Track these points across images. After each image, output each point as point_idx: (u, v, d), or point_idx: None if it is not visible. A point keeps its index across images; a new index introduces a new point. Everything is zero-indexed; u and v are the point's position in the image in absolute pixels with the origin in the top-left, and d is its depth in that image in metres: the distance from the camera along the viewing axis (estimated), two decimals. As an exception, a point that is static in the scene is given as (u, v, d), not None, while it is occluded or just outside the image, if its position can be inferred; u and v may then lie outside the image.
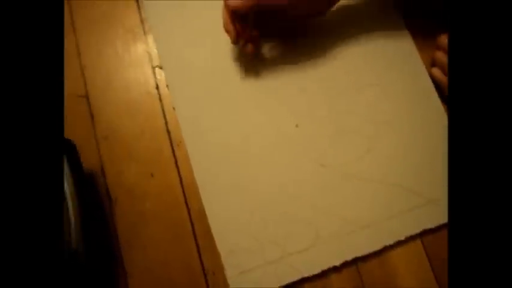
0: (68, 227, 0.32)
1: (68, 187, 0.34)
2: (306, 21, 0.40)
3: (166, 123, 0.41)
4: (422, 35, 0.41)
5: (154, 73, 0.42)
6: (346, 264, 0.36)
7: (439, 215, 0.37)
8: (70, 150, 0.36)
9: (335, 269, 0.36)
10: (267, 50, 0.41)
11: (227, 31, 0.37)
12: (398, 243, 0.37)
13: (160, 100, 0.41)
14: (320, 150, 0.38)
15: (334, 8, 0.40)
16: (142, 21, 0.44)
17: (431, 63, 0.40)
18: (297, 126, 0.39)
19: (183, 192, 0.39)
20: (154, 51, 0.43)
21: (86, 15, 0.44)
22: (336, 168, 0.38)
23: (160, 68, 0.42)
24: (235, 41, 0.37)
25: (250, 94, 0.40)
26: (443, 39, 0.38)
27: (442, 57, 0.38)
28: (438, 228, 0.37)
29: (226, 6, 0.36)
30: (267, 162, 0.38)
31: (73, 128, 0.41)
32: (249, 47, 0.38)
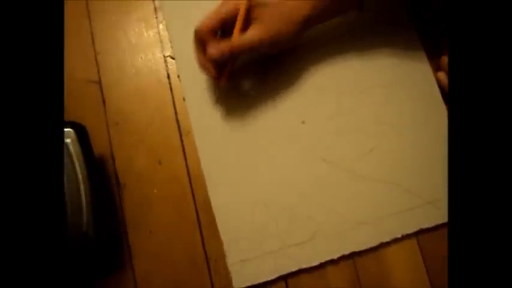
0: (79, 211, 0.33)
1: (80, 171, 0.35)
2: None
3: (175, 112, 0.42)
4: (432, 40, 0.41)
5: (165, 62, 0.43)
6: (343, 258, 0.38)
7: (435, 216, 0.38)
8: (82, 134, 0.37)
9: (332, 262, 0.38)
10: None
11: (205, 70, 0.38)
12: (395, 241, 0.38)
13: (171, 90, 0.42)
14: (324, 147, 0.39)
15: (343, 16, 0.40)
16: (155, 10, 0.45)
17: (437, 68, 0.41)
18: (303, 122, 0.40)
19: (190, 180, 0.40)
20: (166, 41, 0.44)
21: (100, 1, 0.45)
22: (338, 165, 0.39)
23: (172, 58, 0.43)
24: (215, 80, 0.39)
25: (259, 89, 0.41)
26: None
27: (447, 62, 0.39)
28: (434, 228, 0.38)
29: (207, 55, 0.36)
30: (272, 156, 0.39)
31: (85, 113, 0.42)
32: (222, 81, 0.38)
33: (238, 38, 0.35)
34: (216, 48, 0.35)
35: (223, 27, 0.37)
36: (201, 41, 0.37)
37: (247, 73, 0.41)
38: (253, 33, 0.35)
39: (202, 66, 0.38)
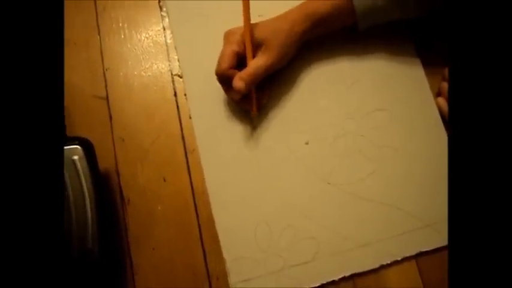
0: (85, 227, 0.34)
1: (86, 188, 0.35)
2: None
3: (181, 130, 0.43)
4: (433, 64, 0.43)
5: (173, 80, 0.44)
6: (343, 279, 0.38)
7: (435, 239, 0.39)
8: (89, 151, 0.38)
9: (333, 283, 0.38)
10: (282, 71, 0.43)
11: (243, 105, 0.40)
12: (395, 263, 0.38)
13: (178, 107, 0.43)
14: (327, 169, 0.40)
15: (350, 34, 0.41)
16: (164, 29, 0.46)
17: (437, 93, 0.42)
18: (306, 143, 0.41)
19: (194, 198, 0.41)
20: (174, 59, 0.44)
21: (110, 18, 0.46)
22: (341, 187, 0.40)
23: (180, 76, 0.44)
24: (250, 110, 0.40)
25: (265, 109, 0.42)
26: None
27: (447, 87, 0.40)
28: (433, 251, 0.39)
29: (236, 91, 0.38)
30: (276, 175, 0.40)
31: (91, 128, 0.42)
32: (254, 111, 0.40)
33: (253, 65, 0.37)
34: (240, 81, 0.37)
35: (239, 60, 0.38)
36: (225, 80, 0.39)
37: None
38: (265, 59, 0.37)
39: (239, 102, 0.40)
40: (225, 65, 0.38)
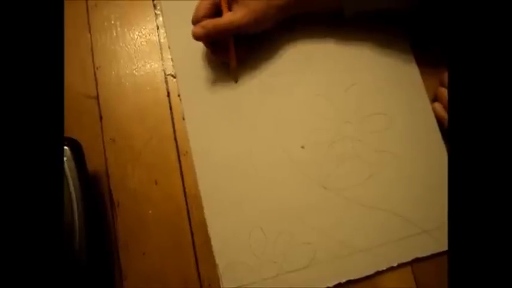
0: (71, 231, 0.32)
1: (73, 190, 0.34)
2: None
3: (174, 131, 0.41)
4: (430, 68, 0.42)
5: (166, 81, 0.43)
6: (338, 285, 0.37)
7: (431, 245, 0.38)
8: (77, 152, 0.37)
9: (327, 290, 0.37)
10: (280, 71, 0.42)
11: (217, 56, 0.40)
12: (390, 269, 0.38)
13: (171, 108, 0.42)
14: (323, 173, 0.39)
15: (344, 36, 0.41)
16: (158, 27, 0.44)
17: (433, 98, 0.42)
18: (302, 147, 0.40)
19: (186, 202, 0.40)
20: (168, 59, 0.43)
21: (102, 16, 0.45)
22: (337, 191, 0.39)
23: (173, 76, 0.43)
24: (230, 64, 0.40)
25: (261, 112, 0.41)
26: (447, 77, 0.40)
27: (444, 93, 0.40)
28: (428, 257, 0.38)
29: (192, 33, 0.38)
30: (271, 180, 0.39)
31: (81, 128, 0.41)
32: (232, 63, 0.40)
33: (226, 18, 0.37)
34: (200, 27, 0.37)
35: (217, 11, 0.38)
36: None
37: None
38: (240, 14, 0.37)
39: (214, 53, 0.40)
40: (201, 13, 0.37)
